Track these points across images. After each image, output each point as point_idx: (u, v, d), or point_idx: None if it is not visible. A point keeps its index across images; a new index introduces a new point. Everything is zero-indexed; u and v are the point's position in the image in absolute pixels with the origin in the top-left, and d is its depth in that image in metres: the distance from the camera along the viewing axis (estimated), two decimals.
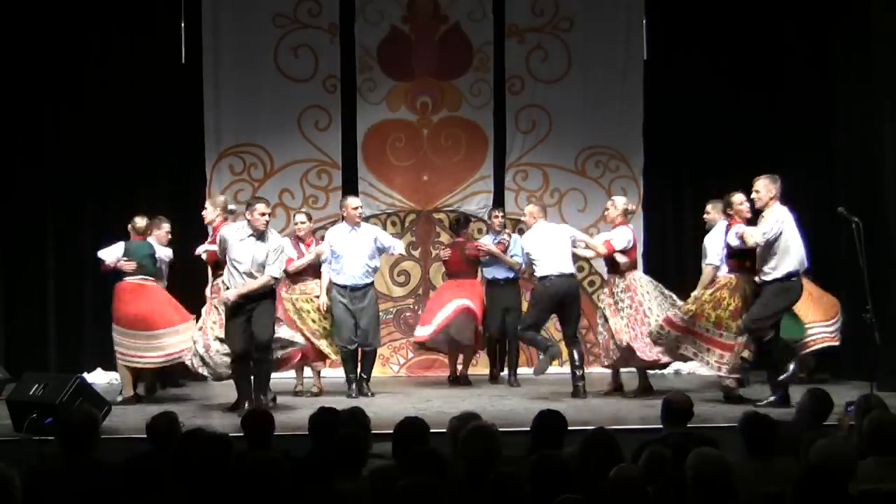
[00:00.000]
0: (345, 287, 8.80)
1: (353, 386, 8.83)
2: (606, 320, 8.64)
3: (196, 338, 8.25)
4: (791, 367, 7.85)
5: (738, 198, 7.95)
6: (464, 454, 4.27)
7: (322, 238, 9.32)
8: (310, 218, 9.36)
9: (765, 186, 7.79)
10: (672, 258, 10.74)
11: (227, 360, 7.91)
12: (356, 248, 8.84)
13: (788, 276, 7.77)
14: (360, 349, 8.89)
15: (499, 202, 10.53)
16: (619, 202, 8.96)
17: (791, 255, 7.76)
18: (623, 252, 8.66)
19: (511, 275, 9.62)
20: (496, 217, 9.90)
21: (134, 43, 10.41)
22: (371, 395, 8.77)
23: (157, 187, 10.48)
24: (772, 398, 7.69)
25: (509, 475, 3.86)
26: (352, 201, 9.06)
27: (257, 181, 10.60)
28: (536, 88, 10.77)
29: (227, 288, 7.77)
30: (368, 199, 10.37)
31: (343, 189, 10.48)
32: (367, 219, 9.81)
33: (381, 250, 9.04)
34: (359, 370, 8.91)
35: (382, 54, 10.70)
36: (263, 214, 7.76)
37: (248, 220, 7.75)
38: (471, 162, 10.76)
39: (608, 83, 10.76)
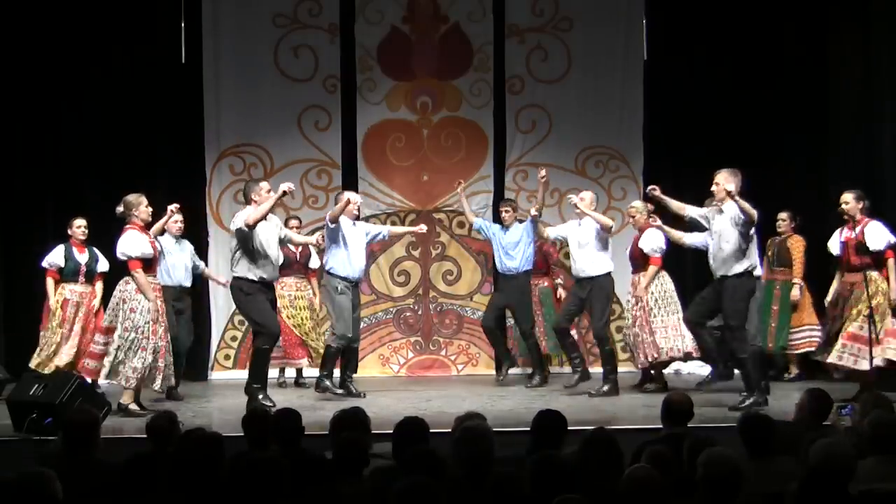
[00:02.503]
0: (351, 281, 8.78)
1: (347, 384, 8.75)
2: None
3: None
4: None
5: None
6: (456, 455, 4.28)
7: (323, 238, 9.32)
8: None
9: (725, 179, 7.77)
10: (672, 258, 10.72)
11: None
12: (360, 242, 8.87)
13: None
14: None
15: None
16: (639, 206, 9.14)
17: None
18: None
19: (529, 266, 9.44)
20: (506, 211, 9.56)
21: (134, 43, 10.41)
22: (364, 395, 8.61)
23: (158, 187, 10.46)
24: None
25: (509, 475, 3.86)
26: (355, 198, 9.00)
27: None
28: (536, 88, 10.77)
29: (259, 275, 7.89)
30: (368, 199, 10.37)
31: (343, 189, 10.47)
32: (367, 219, 9.84)
33: (373, 239, 9.18)
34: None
35: (382, 54, 10.70)
36: (270, 191, 7.85)
37: (256, 202, 7.73)
38: (471, 162, 10.75)
39: (608, 83, 10.76)
